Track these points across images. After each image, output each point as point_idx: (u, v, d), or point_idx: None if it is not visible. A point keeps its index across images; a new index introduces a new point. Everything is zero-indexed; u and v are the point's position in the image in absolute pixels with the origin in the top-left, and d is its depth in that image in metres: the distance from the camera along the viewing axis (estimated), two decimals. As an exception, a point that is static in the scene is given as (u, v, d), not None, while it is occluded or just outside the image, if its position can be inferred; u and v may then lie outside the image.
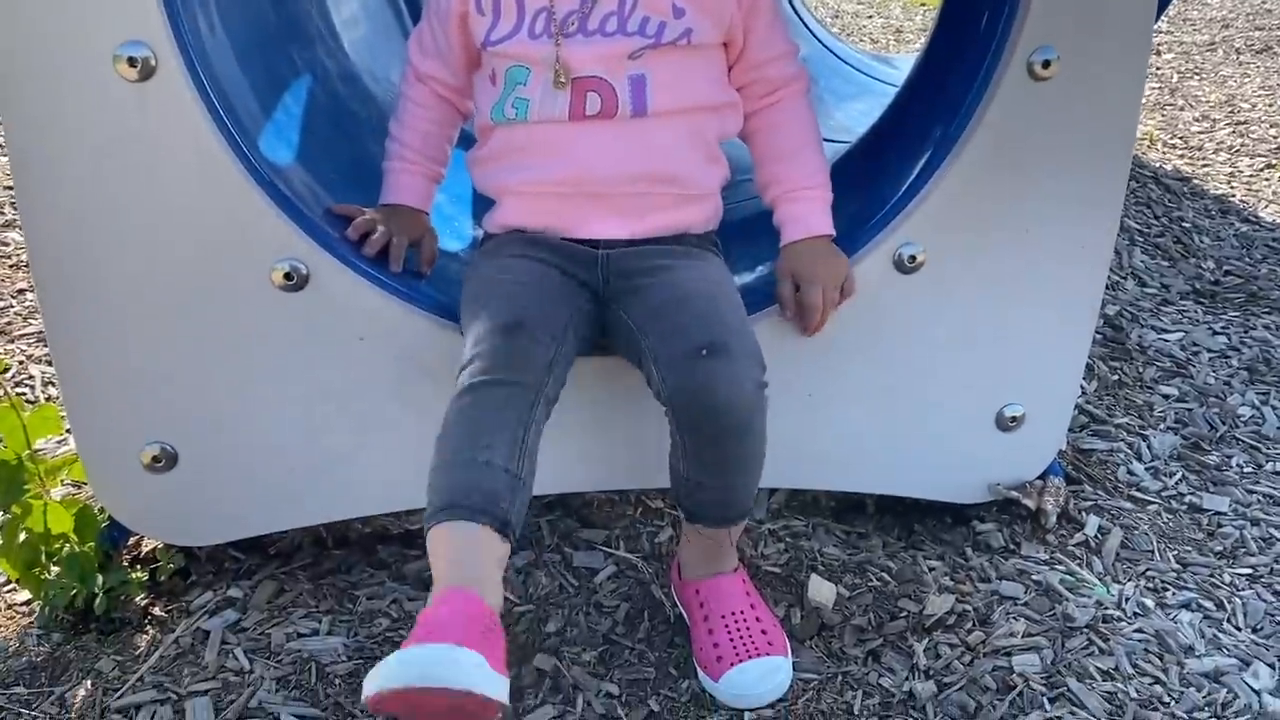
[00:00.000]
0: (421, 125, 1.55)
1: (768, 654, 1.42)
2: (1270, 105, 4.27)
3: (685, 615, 1.51)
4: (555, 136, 1.42)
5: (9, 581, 1.59)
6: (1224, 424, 2.02)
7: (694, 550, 1.49)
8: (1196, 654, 1.48)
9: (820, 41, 3.43)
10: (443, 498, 1.19)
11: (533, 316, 1.31)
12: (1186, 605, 1.57)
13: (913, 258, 1.52)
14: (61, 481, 1.66)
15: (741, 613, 1.45)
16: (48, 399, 2.08)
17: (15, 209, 3.17)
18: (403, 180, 1.55)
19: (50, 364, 2.25)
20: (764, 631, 1.44)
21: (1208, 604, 1.57)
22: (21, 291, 2.62)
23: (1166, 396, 2.10)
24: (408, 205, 1.55)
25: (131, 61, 1.29)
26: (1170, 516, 1.77)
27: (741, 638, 1.43)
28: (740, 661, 1.40)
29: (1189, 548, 1.69)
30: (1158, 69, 4.90)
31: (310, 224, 1.42)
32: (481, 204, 1.66)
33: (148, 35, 1.29)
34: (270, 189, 1.39)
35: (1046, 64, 1.45)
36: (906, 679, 1.45)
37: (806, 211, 1.50)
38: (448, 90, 1.54)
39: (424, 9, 1.53)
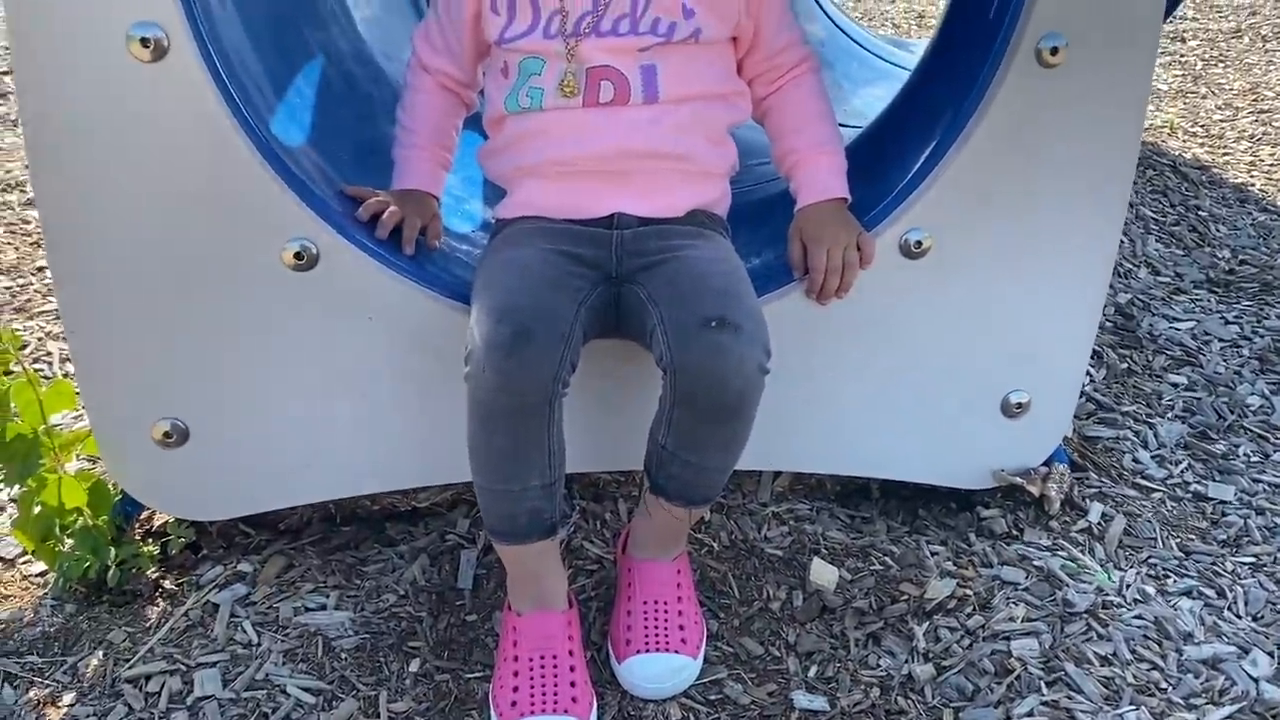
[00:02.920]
0: (429, 115, 1.57)
1: (677, 651, 1.43)
2: (1294, 93, 4.23)
3: (616, 587, 1.53)
4: (569, 121, 1.43)
5: (24, 553, 1.62)
6: (1232, 413, 2.01)
7: (646, 527, 1.49)
8: (1195, 641, 1.48)
9: (838, 26, 3.42)
10: (494, 522, 1.38)
11: (540, 321, 1.29)
12: (1187, 593, 1.57)
13: (919, 243, 1.53)
14: (76, 456, 1.69)
15: (665, 604, 1.46)
16: (64, 375, 2.11)
17: (37, 187, 3.20)
18: (413, 166, 1.57)
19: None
20: (681, 628, 1.45)
21: (1209, 591, 1.58)
22: (41, 269, 2.65)
23: (1175, 385, 2.09)
24: (420, 190, 1.57)
25: (144, 42, 1.31)
26: (1175, 504, 1.77)
27: (656, 629, 1.44)
28: (647, 652, 1.42)
29: (1192, 536, 1.70)
30: (1182, 56, 4.86)
31: (321, 204, 1.43)
32: (493, 190, 1.67)
33: (160, 16, 1.31)
34: (282, 169, 1.40)
35: (1055, 50, 1.45)
36: (906, 661, 1.46)
37: (819, 174, 1.52)
38: (453, 83, 1.56)
39: (431, 3, 1.54)
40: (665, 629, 1.44)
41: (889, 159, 1.62)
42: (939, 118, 1.56)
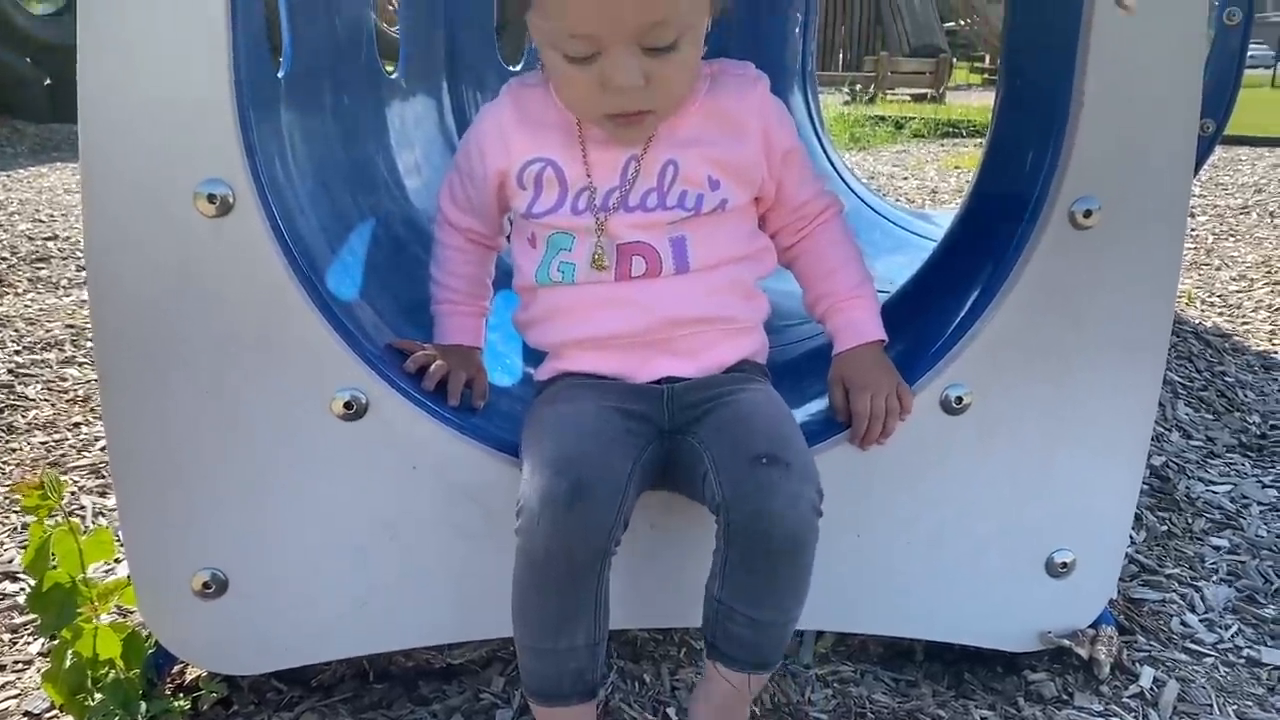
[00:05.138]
0: (461, 269, 1.60)
1: None
2: (1307, 266, 4.30)
3: None
4: (603, 295, 1.44)
5: (53, 708, 1.59)
6: (1279, 577, 1.98)
7: (705, 707, 1.41)
8: (1263, 812, 1.42)
9: (860, 198, 3.52)
10: (534, 682, 1.35)
11: (597, 476, 1.28)
12: (1250, 762, 1.52)
13: (959, 399, 1.54)
14: (111, 608, 1.67)
15: None
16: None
17: (75, 346, 3.27)
18: (454, 322, 1.60)
19: (102, 495, 2.29)
20: None
21: (1272, 761, 1.52)
22: (77, 425, 2.68)
23: (1218, 548, 2.07)
24: (462, 345, 1.59)
25: (211, 198, 1.35)
26: (1228, 669, 1.72)
27: None
28: None
29: (1249, 702, 1.65)
30: (1193, 231, 4.97)
31: (371, 356, 1.46)
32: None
33: (227, 174, 1.36)
34: (335, 321, 1.43)
35: (1088, 213, 1.49)
36: (960, 831, 1.40)
37: (856, 318, 1.53)
38: (480, 236, 1.59)
39: (454, 164, 1.57)
40: None
41: (927, 315, 1.64)
42: (976, 275, 1.59)
